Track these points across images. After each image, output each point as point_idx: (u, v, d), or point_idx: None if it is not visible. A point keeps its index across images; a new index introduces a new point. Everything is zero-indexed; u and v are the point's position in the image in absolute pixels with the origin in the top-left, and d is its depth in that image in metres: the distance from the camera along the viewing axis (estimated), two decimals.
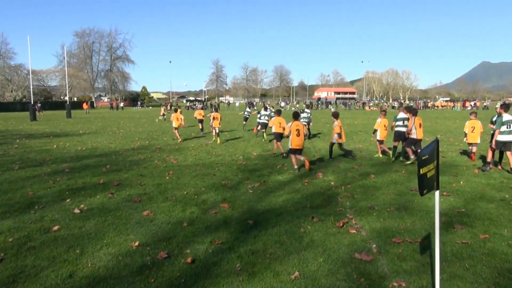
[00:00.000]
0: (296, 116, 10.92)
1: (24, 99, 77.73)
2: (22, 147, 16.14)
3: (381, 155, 13.30)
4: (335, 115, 12.91)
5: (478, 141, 12.53)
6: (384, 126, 13.17)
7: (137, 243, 5.24)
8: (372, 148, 15.17)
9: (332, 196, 7.85)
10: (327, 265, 4.61)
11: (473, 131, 12.47)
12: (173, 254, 4.92)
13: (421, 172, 3.62)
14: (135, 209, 6.94)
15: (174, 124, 18.80)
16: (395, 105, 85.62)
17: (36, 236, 5.58)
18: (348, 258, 4.80)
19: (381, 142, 13.26)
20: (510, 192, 8.12)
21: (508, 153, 10.25)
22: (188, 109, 75.61)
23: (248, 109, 27.04)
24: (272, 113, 20.03)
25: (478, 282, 4.21)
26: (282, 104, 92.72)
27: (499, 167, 10.71)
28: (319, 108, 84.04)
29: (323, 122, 32.28)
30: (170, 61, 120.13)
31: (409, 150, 11.76)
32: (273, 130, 13.75)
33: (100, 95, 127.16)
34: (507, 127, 10.23)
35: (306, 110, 21.29)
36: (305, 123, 18.91)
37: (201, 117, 22.78)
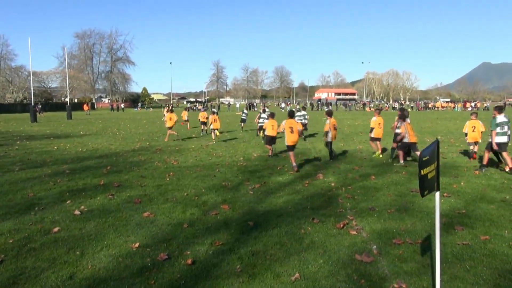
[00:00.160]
0: (290, 114, 11.55)
1: (25, 101, 77.87)
2: (23, 148, 16.15)
3: (381, 155, 13.36)
4: (329, 113, 13.12)
5: (480, 140, 12.57)
6: (379, 124, 13.40)
7: (137, 245, 5.24)
8: (372, 149, 15.15)
9: (333, 197, 7.84)
10: (328, 267, 4.60)
11: (474, 131, 12.50)
12: (174, 255, 4.92)
13: (422, 173, 3.62)
14: (135, 210, 6.93)
15: (168, 124, 19.36)
16: (396, 106, 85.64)
17: (37, 237, 5.58)
18: (348, 260, 4.79)
19: (375, 139, 13.50)
20: (510, 193, 8.11)
21: (504, 153, 10.34)
22: (188, 110, 75.55)
23: (245, 111, 27.30)
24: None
25: (478, 283, 4.21)
26: (283, 105, 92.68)
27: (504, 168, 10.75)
28: (320, 109, 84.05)
29: (323, 122, 32.22)
30: (170, 62, 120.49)
31: (400, 153, 11.79)
32: (266, 132, 13.86)
33: (100, 96, 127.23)
34: (500, 129, 10.38)
35: (302, 111, 21.94)
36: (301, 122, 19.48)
37: (204, 120, 23.25)
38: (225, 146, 16.51)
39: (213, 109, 26.62)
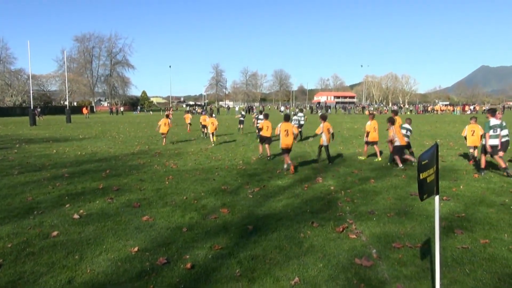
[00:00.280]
0: (286, 118, 11.80)
1: (24, 104, 77.77)
2: (22, 152, 16.13)
3: (365, 157, 13.71)
4: (323, 117, 13.26)
5: (479, 144, 12.57)
6: (374, 128, 13.64)
7: (136, 249, 5.23)
8: (371, 152, 15.15)
9: (332, 201, 7.83)
10: (327, 271, 4.59)
11: (473, 135, 12.52)
12: (173, 259, 4.91)
13: (421, 177, 3.62)
14: (134, 214, 6.92)
15: (161, 130, 18.96)
16: (395, 109, 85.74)
17: (35, 241, 5.56)
18: (348, 264, 4.78)
19: (370, 143, 13.71)
20: (510, 196, 8.11)
21: (495, 157, 10.49)
22: (189, 113, 75.49)
23: (243, 113, 27.72)
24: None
25: (478, 287, 4.20)
26: (282, 108, 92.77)
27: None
28: (318, 112, 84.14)
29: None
30: (170, 66, 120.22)
31: (397, 157, 11.86)
32: (261, 133, 14.13)
33: (100, 100, 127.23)
34: (493, 131, 10.54)
35: (300, 114, 22.43)
36: (297, 125, 20.25)
37: (205, 123, 23.33)
38: (225, 150, 16.50)
39: (205, 111, 26.95)
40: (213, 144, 18.39)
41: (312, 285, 4.25)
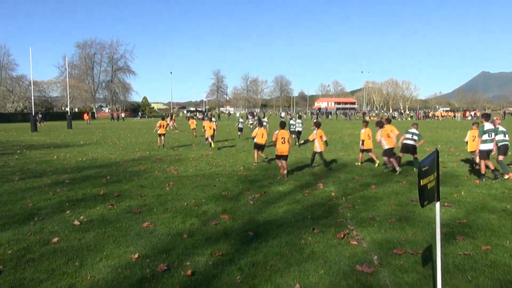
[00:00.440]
0: (282, 125, 11.99)
1: (25, 110, 77.94)
2: (23, 158, 16.14)
3: (360, 163, 13.83)
4: (317, 124, 13.38)
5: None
6: (368, 135, 13.83)
7: (136, 255, 5.21)
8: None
9: (333, 207, 7.82)
10: (328, 277, 4.57)
11: (474, 140, 12.54)
12: (173, 266, 4.89)
13: (421, 183, 3.61)
14: (135, 220, 6.91)
15: (159, 131, 19.97)
16: (395, 115, 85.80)
17: (36, 248, 5.55)
18: (349, 270, 4.76)
19: (365, 151, 13.88)
20: (511, 202, 8.08)
21: (482, 161, 10.70)
22: (188, 119, 75.61)
23: (241, 119, 28.13)
24: (264, 122, 21.32)
25: None
26: (283, 114, 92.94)
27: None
28: (319, 118, 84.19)
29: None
30: (171, 72, 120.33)
31: (393, 160, 12.04)
32: (255, 140, 14.24)
33: (101, 106, 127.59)
34: (488, 136, 10.72)
35: (298, 120, 23.15)
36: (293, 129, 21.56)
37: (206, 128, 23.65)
38: (225, 156, 16.50)
39: (206, 117, 27.29)
40: (211, 148, 18.50)
41: None
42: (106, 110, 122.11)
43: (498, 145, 11.01)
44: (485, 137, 10.70)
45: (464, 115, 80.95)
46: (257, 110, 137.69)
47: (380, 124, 12.76)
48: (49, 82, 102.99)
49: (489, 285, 4.36)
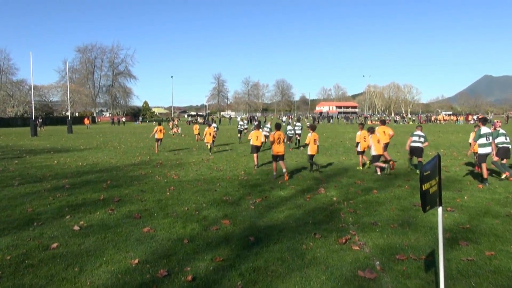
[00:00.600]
0: (277, 126, 12.42)
1: (26, 115, 78.15)
2: (23, 162, 16.12)
3: (361, 168, 13.79)
4: (312, 128, 13.48)
5: None
6: (364, 138, 13.86)
7: (136, 261, 5.16)
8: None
9: (335, 211, 7.76)
10: (330, 283, 4.52)
11: None
12: (173, 271, 4.84)
13: (423, 188, 3.57)
14: (135, 225, 6.86)
15: (157, 136, 20.51)
16: (397, 119, 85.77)
17: (35, 253, 5.50)
18: (351, 276, 4.71)
19: (361, 153, 13.97)
20: None
21: (483, 164, 10.67)
22: (189, 123, 75.75)
23: (241, 122, 28.36)
24: (267, 128, 21.71)
25: None
26: (284, 118, 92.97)
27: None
28: (320, 122, 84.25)
29: (324, 136, 32.24)
30: (171, 76, 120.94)
31: (378, 164, 12.43)
32: (251, 143, 14.65)
33: (101, 110, 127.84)
34: (486, 139, 10.73)
35: (297, 123, 23.81)
36: (292, 134, 21.89)
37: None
38: (226, 160, 16.46)
39: (208, 122, 27.50)
40: (210, 154, 18.49)
41: None
42: (107, 114, 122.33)
43: (498, 147, 11.01)
44: (483, 140, 10.73)
45: (466, 119, 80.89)
46: (258, 114, 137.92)
47: (371, 130, 12.98)
48: (50, 86, 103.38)
49: None
